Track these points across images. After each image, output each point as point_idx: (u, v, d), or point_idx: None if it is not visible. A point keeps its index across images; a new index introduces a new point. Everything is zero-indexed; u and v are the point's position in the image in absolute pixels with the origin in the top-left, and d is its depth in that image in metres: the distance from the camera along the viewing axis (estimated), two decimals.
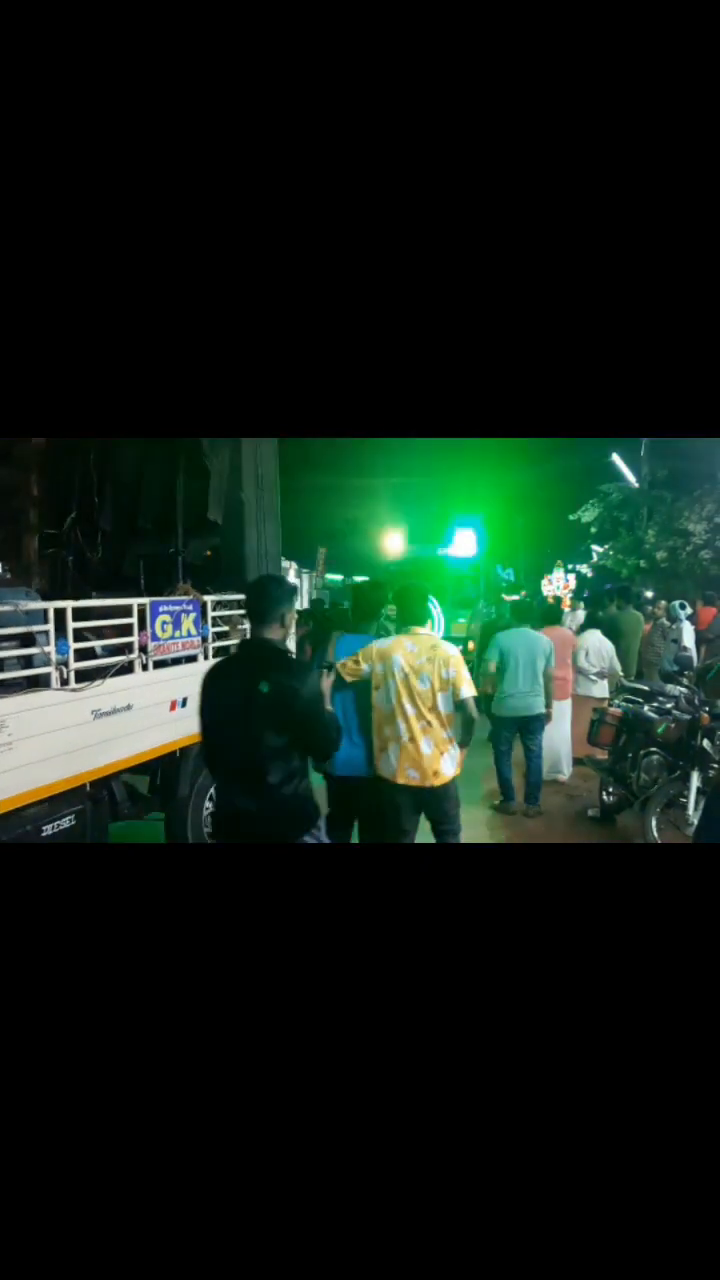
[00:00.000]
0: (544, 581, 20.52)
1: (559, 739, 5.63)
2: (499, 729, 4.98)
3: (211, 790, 3.80)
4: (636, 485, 14.06)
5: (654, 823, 4.02)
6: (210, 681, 2.27)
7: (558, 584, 20.19)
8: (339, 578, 16.18)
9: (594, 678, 5.76)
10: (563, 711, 5.62)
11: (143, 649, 3.36)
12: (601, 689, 5.78)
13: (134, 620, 3.31)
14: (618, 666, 5.83)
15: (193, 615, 3.81)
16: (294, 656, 2.45)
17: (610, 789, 4.89)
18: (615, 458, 14.57)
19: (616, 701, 5.06)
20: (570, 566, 20.22)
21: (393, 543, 9.91)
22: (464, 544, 9.46)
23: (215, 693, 2.24)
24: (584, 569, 19.89)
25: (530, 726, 4.96)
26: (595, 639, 5.80)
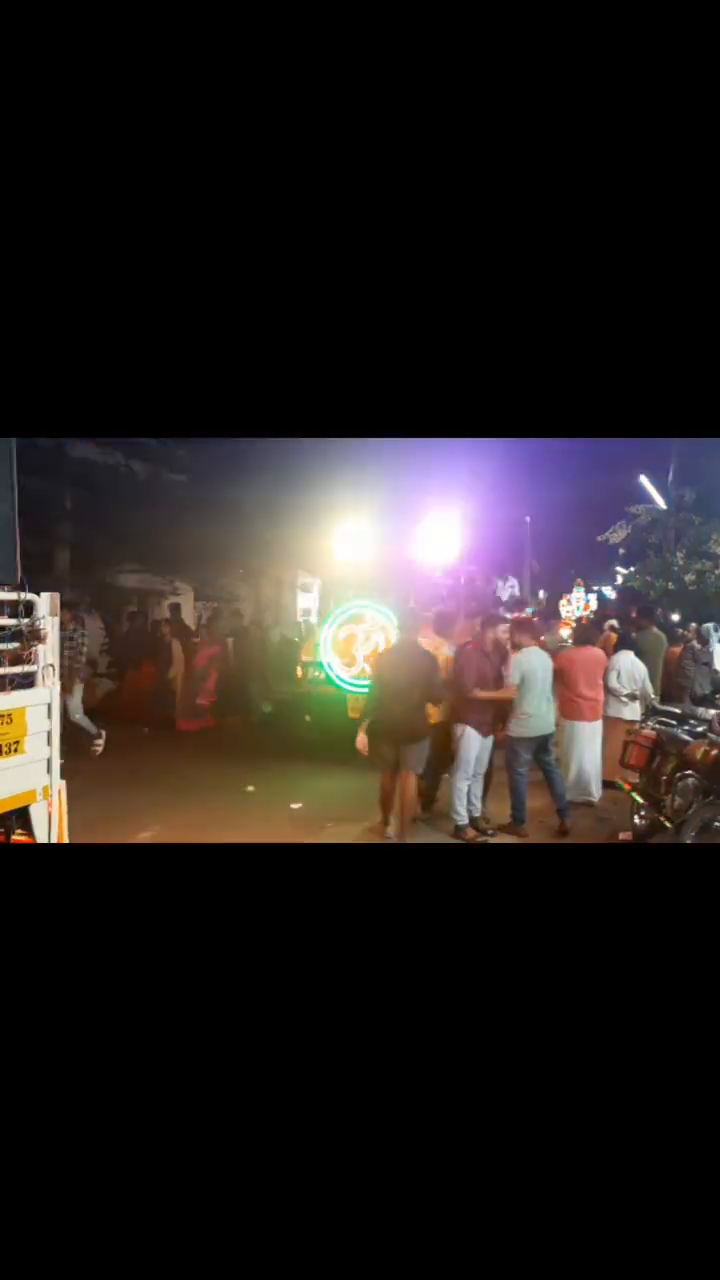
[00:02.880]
0: (563, 601, 20.34)
1: (589, 761, 5.57)
2: (519, 750, 4.90)
3: None
4: (665, 507, 13.99)
5: None
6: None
7: (578, 604, 20.02)
8: None
9: (625, 699, 5.70)
10: (593, 733, 5.56)
11: None
12: (632, 711, 5.71)
13: None
14: (650, 689, 5.77)
15: None
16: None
17: (642, 812, 4.81)
18: (643, 479, 14.53)
19: (649, 723, 5.00)
20: (594, 587, 20.09)
21: (352, 544, 7.72)
22: (438, 545, 7.48)
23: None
24: (607, 590, 19.77)
25: (546, 745, 4.96)
26: (628, 660, 5.75)
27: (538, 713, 4.82)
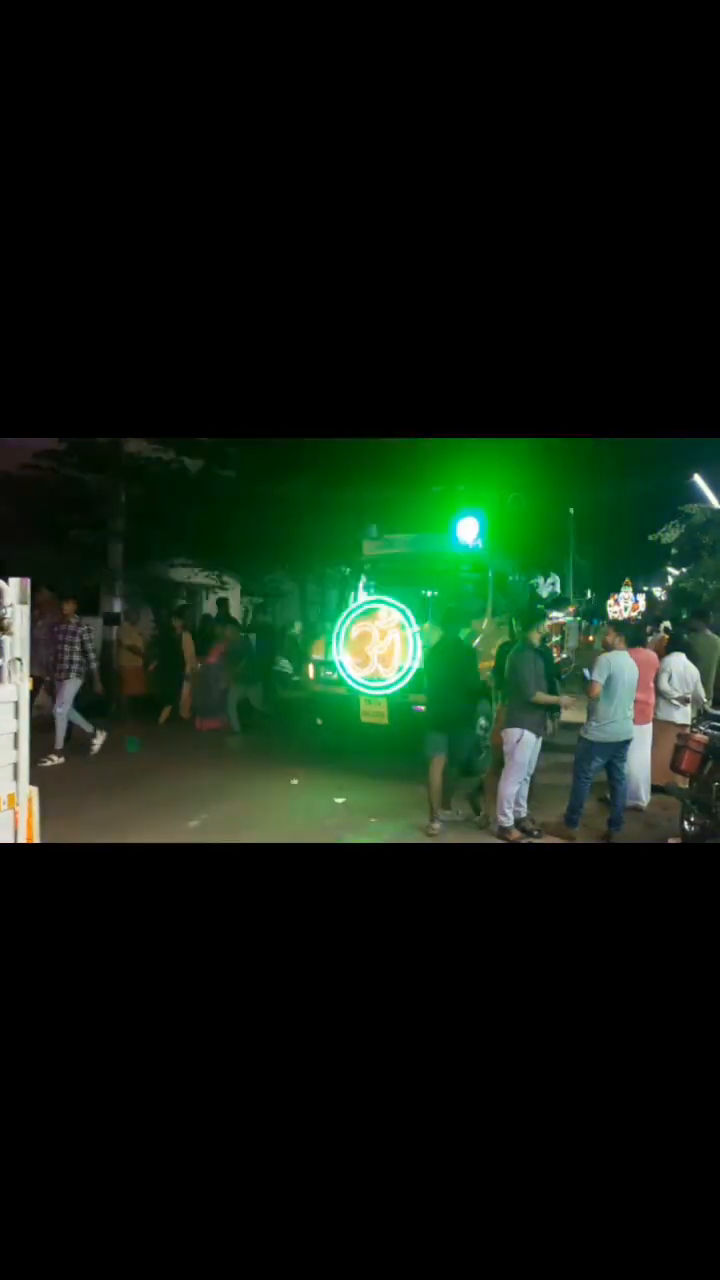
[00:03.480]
0: (610, 601, 19.93)
1: (638, 765, 5.47)
2: (592, 754, 4.75)
3: None
4: (719, 506, 13.60)
5: None
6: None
7: (625, 604, 19.61)
8: None
9: (676, 702, 5.59)
10: (643, 736, 5.47)
11: None
12: (683, 714, 5.60)
13: None
14: (702, 692, 5.64)
15: None
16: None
17: (692, 818, 4.72)
18: (697, 478, 14.15)
19: (702, 728, 4.90)
20: (643, 587, 19.67)
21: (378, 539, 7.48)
22: (465, 534, 7.06)
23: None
24: (658, 591, 19.31)
25: (622, 752, 4.84)
26: (680, 662, 5.63)
27: (618, 718, 4.71)
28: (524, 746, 4.70)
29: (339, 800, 5.54)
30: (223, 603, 9.49)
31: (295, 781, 6.03)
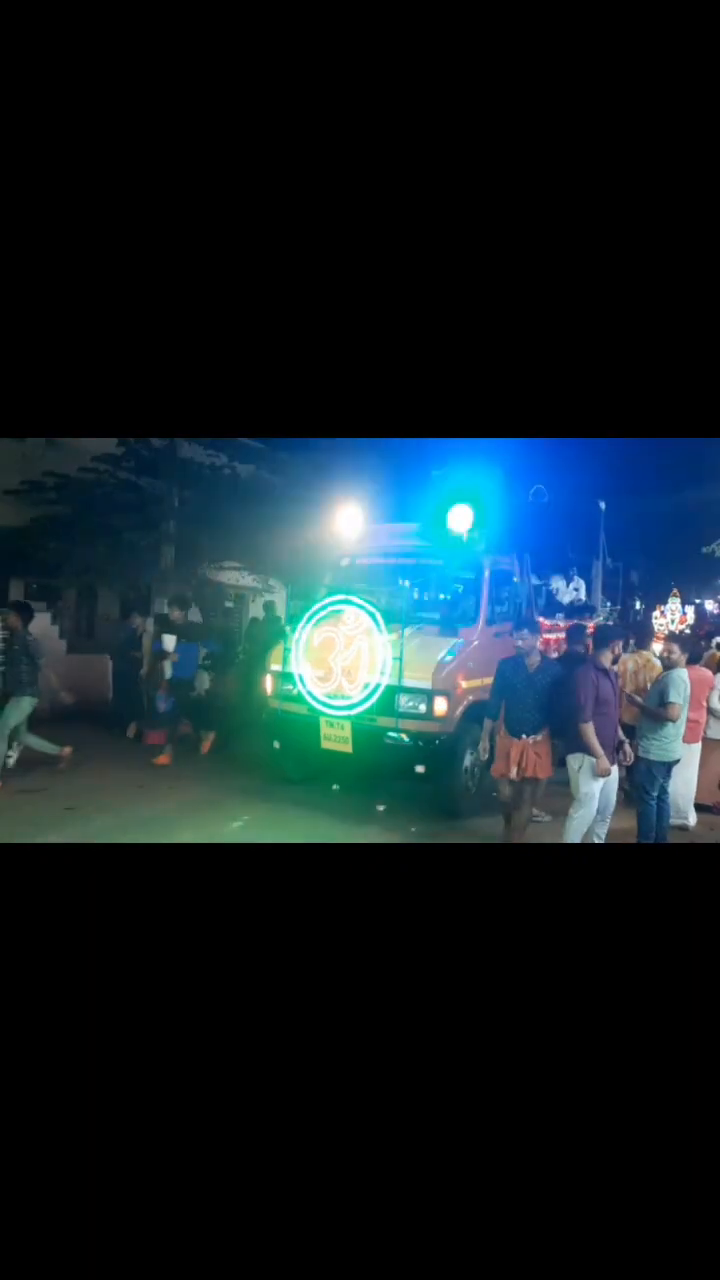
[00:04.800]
0: (656, 613, 19.45)
1: (684, 783, 5.37)
2: (655, 774, 4.60)
3: None
4: None
5: None
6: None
7: (672, 616, 19.14)
8: None
9: None
10: (691, 755, 5.36)
11: None
12: None
13: None
14: None
15: None
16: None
17: None
18: None
19: None
20: (695, 600, 19.16)
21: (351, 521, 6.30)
22: (455, 526, 5.78)
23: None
24: (711, 604, 18.80)
25: (669, 771, 4.74)
26: None
27: (678, 736, 4.61)
28: (585, 776, 4.20)
29: (380, 807, 5.57)
30: (269, 605, 9.60)
31: (336, 787, 6.07)
